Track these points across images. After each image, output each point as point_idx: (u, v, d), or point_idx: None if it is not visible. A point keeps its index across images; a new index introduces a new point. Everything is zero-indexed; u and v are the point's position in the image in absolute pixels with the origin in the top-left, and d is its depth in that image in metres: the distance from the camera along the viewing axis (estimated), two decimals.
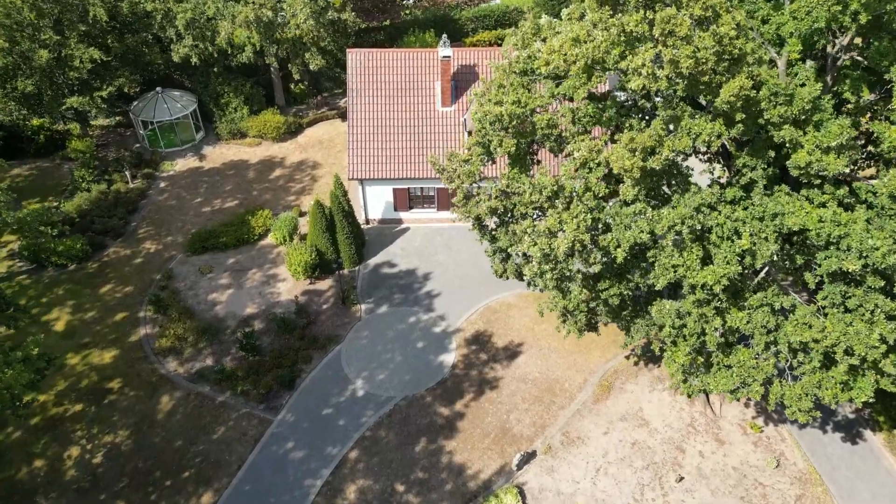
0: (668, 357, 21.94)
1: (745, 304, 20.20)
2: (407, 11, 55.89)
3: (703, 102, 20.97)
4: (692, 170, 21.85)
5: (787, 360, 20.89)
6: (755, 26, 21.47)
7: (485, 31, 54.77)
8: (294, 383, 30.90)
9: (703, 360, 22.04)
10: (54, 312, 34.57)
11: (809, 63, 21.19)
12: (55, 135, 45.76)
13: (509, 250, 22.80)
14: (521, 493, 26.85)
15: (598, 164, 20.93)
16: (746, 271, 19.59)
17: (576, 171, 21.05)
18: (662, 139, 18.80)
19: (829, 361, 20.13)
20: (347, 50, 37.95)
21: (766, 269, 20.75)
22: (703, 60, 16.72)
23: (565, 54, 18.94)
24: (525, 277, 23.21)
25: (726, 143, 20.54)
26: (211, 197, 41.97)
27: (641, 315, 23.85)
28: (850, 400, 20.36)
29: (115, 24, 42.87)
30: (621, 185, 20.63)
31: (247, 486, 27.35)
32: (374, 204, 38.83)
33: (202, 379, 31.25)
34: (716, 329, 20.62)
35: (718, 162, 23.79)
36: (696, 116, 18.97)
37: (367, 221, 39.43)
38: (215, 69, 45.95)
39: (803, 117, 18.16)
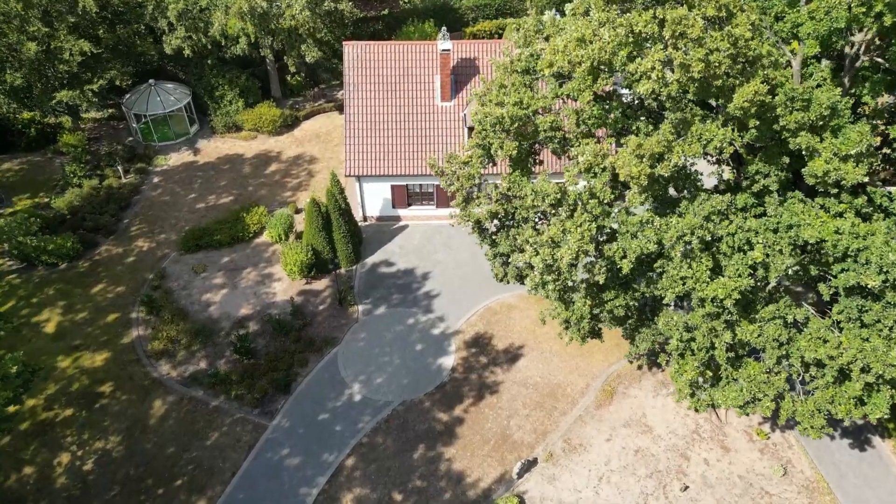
0: (675, 371, 21.13)
1: (757, 316, 19.35)
2: (406, 0, 54.63)
3: (714, 104, 20.03)
4: (701, 174, 20.97)
5: (800, 375, 20.10)
6: (768, 23, 20.50)
7: (485, 21, 53.58)
8: (290, 387, 30.18)
9: (711, 374, 21.26)
10: (45, 313, 33.79)
11: (825, 63, 20.23)
12: (46, 128, 44.75)
13: (510, 260, 21.97)
14: (522, 503, 26.21)
15: (604, 170, 20.03)
16: (758, 283, 18.77)
17: (578, 173, 20.13)
18: (671, 145, 17.88)
19: (842, 376, 19.35)
20: (344, 42, 36.89)
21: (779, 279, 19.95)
22: (717, 64, 15.76)
23: (570, 55, 17.97)
24: (526, 283, 22.42)
25: (738, 147, 19.61)
26: (205, 193, 41.06)
27: (647, 324, 23.04)
28: (864, 416, 19.60)
29: (106, 15, 41.76)
30: (627, 190, 19.74)
31: (241, 495, 26.70)
32: (371, 201, 37.93)
33: (195, 382, 30.52)
34: (725, 343, 19.82)
35: (728, 164, 22.88)
36: (707, 121, 18.04)
37: (365, 219, 38.55)
38: (209, 61, 44.84)
39: (821, 123, 17.22)
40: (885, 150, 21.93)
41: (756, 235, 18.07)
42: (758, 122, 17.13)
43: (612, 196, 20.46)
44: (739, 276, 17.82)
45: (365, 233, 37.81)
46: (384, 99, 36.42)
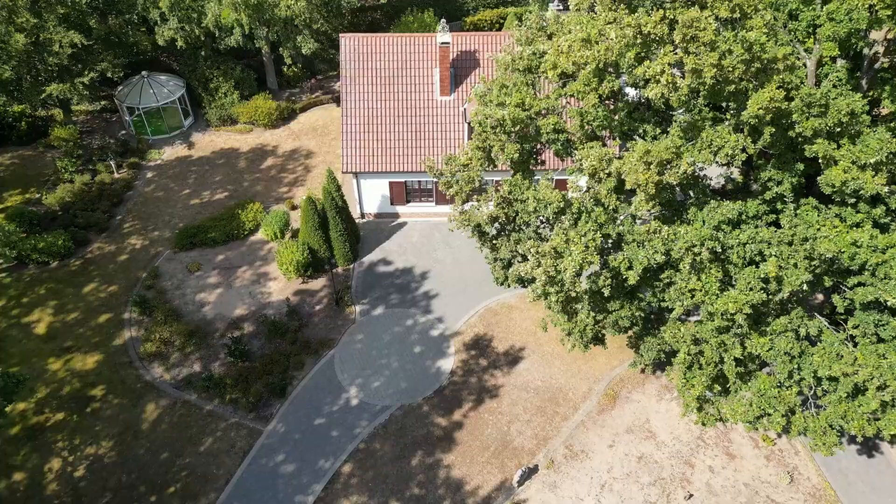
0: (682, 385, 20.40)
1: (768, 329, 18.58)
2: None
3: (726, 104, 19.14)
4: (710, 178, 20.12)
5: (811, 389, 19.38)
6: (782, 20, 19.57)
7: (486, 10, 52.37)
8: (285, 391, 29.52)
9: (719, 387, 20.55)
10: (35, 314, 33.08)
11: (840, 63, 19.30)
12: (38, 121, 43.82)
13: (510, 272, 21.21)
14: None
15: (609, 175, 19.19)
16: (770, 297, 17.98)
17: (582, 174, 19.28)
18: (680, 151, 17.03)
19: (856, 390, 18.62)
20: (340, 35, 35.86)
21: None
22: (730, 68, 14.88)
23: (575, 57, 17.07)
24: (528, 294, 21.67)
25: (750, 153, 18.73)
26: (200, 188, 40.20)
27: (652, 333, 22.29)
28: (878, 431, 18.90)
29: (98, 5, 40.67)
30: (634, 197, 18.92)
31: (235, 503, 26.12)
32: (369, 197, 37.09)
33: (189, 386, 29.86)
34: (735, 358, 19.09)
35: (738, 167, 22.01)
36: (718, 126, 17.17)
37: (363, 216, 37.73)
38: (203, 53, 43.78)
39: (838, 129, 16.35)
40: None
41: (769, 247, 17.26)
42: (773, 130, 16.27)
43: (618, 202, 19.63)
44: (751, 289, 17.04)
45: (362, 230, 37.01)
46: (382, 93, 35.47)
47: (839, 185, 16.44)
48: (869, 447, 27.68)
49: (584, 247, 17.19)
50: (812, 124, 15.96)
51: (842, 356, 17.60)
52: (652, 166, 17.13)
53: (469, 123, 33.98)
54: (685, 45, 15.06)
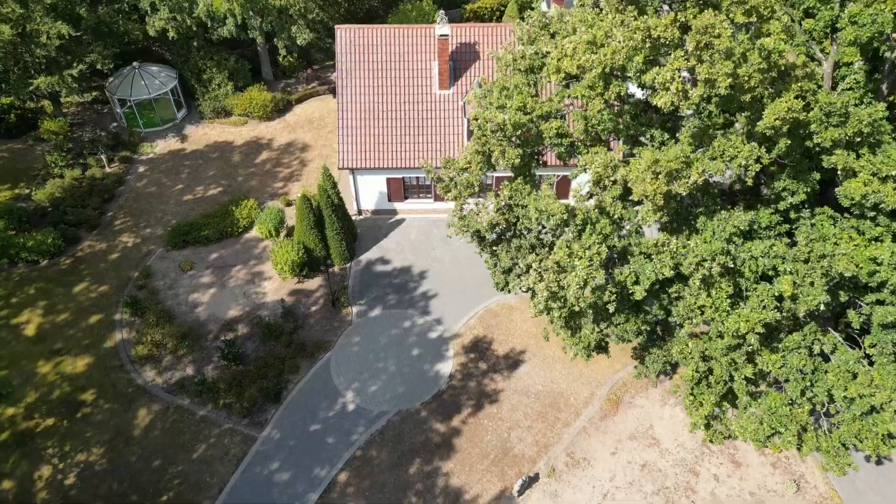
0: (689, 403, 19.63)
1: (780, 345, 17.78)
2: None
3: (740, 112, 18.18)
4: (719, 182, 19.22)
5: (824, 406, 18.63)
6: (797, 17, 18.57)
7: None
8: (280, 396, 28.83)
9: (728, 404, 19.80)
10: (25, 314, 32.31)
11: (858, 64, 18.32)
12: (27, 113, 42.75)
13: (510, 286, 20.39)
14: None
15: (614, 183, 18.30)
16: (784, 315, 17.15)
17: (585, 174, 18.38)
18: (690, 160, 16.13)
19: (872, 409, 17.86)
20: (336, 27, 34.73)
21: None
22: (746, 77, 13.93)
23: (579, 60, 16.11)
24: (530, 309, 20.87)
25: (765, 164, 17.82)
26: (193, 183, 39.26)
27: (658, 345, 21.51)
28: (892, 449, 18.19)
29: None
30: (640, 206, 18.04)
31: None
32: (366, 194, 36.17)
33: (182, 390, 29.17)
34: (745, 377, 18.32)
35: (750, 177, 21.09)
36: (731, 134, 16.24)
37: (360, 212, 36.83)
38: (195, 43, 42.59)
39: (858, 139, 15.43)
40: None
41: (783, 262, 16.40)
42: (789, 142, 15.35)
43: (624, 210, 18.75)
44: (764, 307, 16.21)
45: (359, 227, 36.13)
46: (379, 87, 34.42)
47: (859, 198, 15.55)
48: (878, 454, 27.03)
49: (588, 261, 16.35)
50: (831, 134, 15.04)
51: (857, 376, 16.83)
52: (660, 176, 16.24)
53: (468, 119, 32.99)
54: (698, 52, 14.10)
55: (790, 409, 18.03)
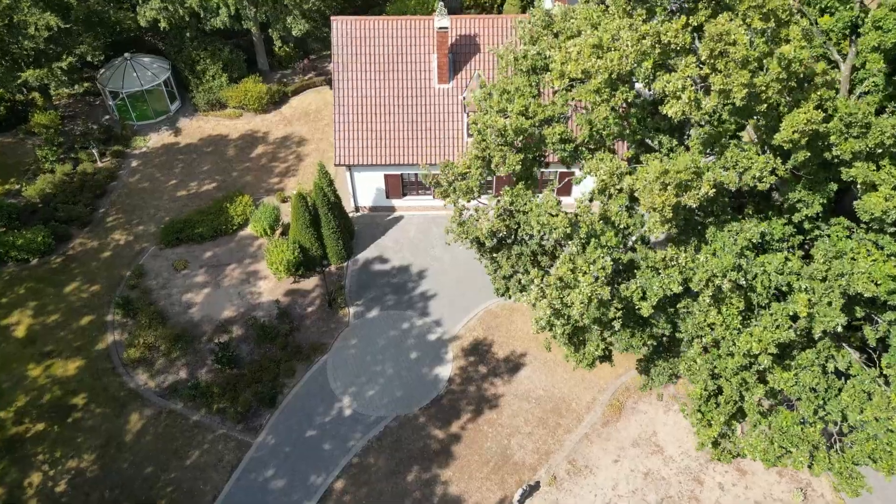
0: (697, 421, 18.94)
1: (792, 363, 17.03)
2: None
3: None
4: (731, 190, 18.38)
5: (836, 425, 17.94)
6: (813, 16, 17.64)
7: None
8: (275, 400, 28.19)
9: (736, 422, 19.11)
10: (15, 315, 31.61)
11: (877, 67, 17.40)
12: (17, 106, 41.79)
13: (511, 293, 19.63)
14: None
15: (620, 191, 17.48)
16: (799, 334, 16.38)
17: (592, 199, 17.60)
18: (701, 170, 15.31)
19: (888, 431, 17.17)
20: (332, 18, 33.69)
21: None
22: (763, 87, 13.06)
23: (584, 65, 15.23)
24: (531, 325, 20.14)
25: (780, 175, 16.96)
26: (187, 179, 38.39)
27: (664, 357, 20.78)
28: None
29: None
30: (647, 216, 17.23)
31: None
32: (363, 190, 35.32)
33: (175, 394, 28.53)
34: (756, 399, 17.60)
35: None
36: (745, 146, 15.38)
37: (357, 209, 36.00)
38: (188, 34, 41.50)
39: (879, 150, 14.58)
40: None
41: (798, 279, 15.60)
42: (808, 154, 14.51)
43: (629, 219, 17.95)
44: (777, 327, 15.45)
45: (357, 225, 35.32)
46: (376, 81, 33.44)
47: (879, 214, 14.74)
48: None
49: (593, 278, 15.57)
50: (851, 146, 14.20)
51: (872, 396, 16.11)
52: (669, 188, 15.42)
53: (468, 114, 32.08)
54: (712, 60, 13.23)
55: (802, 429, 17.36)
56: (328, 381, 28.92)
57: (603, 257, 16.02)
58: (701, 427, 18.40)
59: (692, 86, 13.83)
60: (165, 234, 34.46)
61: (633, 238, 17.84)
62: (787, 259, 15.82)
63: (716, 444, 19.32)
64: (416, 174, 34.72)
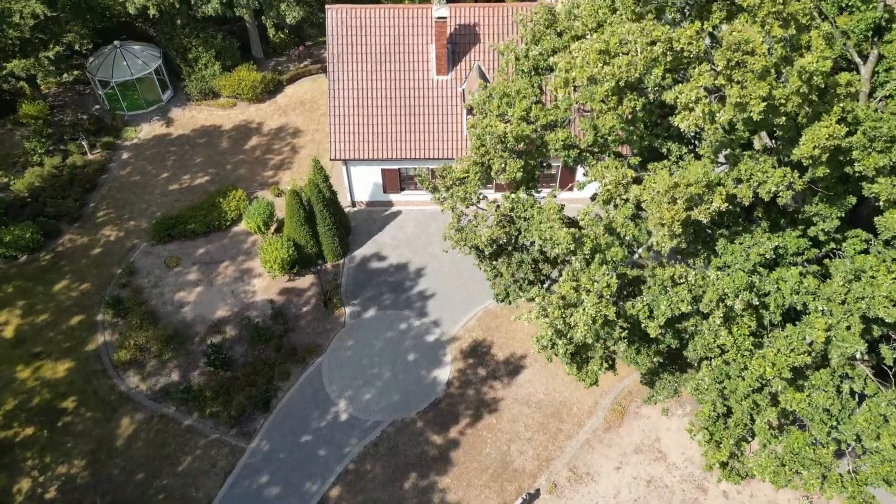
0: (705, 440, 18.23)
1: (806, 383, 16.27)
2: None
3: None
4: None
5: (850, 447, 17.23)
6: (832, 14, 16.62)
7: None
8: (269, 404, 27.54)
9: (746, 444, 18.40)
10: (3, 315, 30.88)
11: None
12: (5, 95, 40.68)
13: (511, 299, 18.82)
14: None
15: (626, 201, 16.60)
16: (814, 358, 15.58)
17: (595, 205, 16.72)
18: (713, 185, 14.42)
19: None
20: (326, 7, 32.50)
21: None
22: (782, 100, 12.13)
23: (590, 72, 14.27)
24: (532, 344, 19.34)
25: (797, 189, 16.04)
26: (179, 172, 37.43)
27: (669, 370, 20.04)
28: None
29: None
30: (655, 229, 16.36)
31: None
32: (360, 185, 34.38)
33: (167, 398, 27.87)
34: (767, 422, 16.87)
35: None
36: (759, 156, 14.47)
37: (353, 204, 35.09)
38: (179, 21, 40.25)
39: None
40: None
41: (815, 300, 14.78)
42: (827, 170, 13.62)
43: (636, 231, 17.10)
44: (792, 351, 14.66)
45: (353, 220, 34.44)
46: (373, 72, 32.35)
47: None
48: None
49: (597, 296, 14.77)
50: (874, 161, 13.32)
51: (889, 420, 15.37)
52: (679, 202, 14.55)
53: (468, 109, 31.05)
54: (728, 71, 12.30)
55: (814, 450, 16.67)
56: (324, 384, 28.25)
57: (608, 274, 15.18)
58: (709, 448, 17.72)
59: (706, 97, 12.90)
60: (157, 230, 33.60)
61: (639, 251, 17.01)
62: (801, 276, 14.99)
63: (724, 464, 18.66)
64: (413, 168, 33.72)
